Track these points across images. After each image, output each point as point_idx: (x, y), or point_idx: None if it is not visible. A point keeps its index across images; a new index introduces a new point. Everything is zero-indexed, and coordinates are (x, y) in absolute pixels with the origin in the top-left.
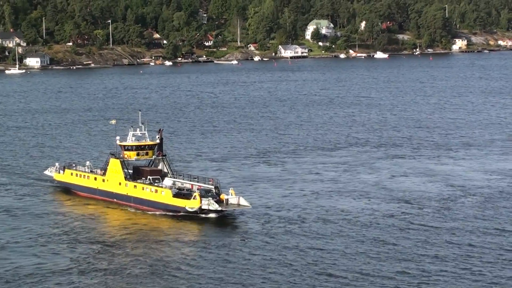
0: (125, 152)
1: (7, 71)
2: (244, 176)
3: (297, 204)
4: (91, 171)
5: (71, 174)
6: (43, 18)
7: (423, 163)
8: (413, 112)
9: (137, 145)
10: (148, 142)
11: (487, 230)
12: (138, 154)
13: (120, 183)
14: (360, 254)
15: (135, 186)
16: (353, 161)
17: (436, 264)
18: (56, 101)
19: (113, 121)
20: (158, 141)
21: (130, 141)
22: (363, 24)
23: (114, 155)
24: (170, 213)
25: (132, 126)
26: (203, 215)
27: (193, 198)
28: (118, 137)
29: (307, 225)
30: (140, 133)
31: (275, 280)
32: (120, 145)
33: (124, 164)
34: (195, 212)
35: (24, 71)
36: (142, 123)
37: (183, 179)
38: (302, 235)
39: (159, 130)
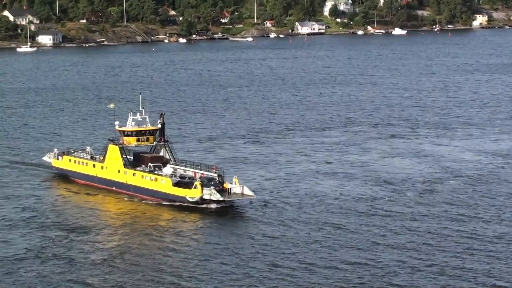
0: (125, 138)
1: (18, 49)
2: (228, 157)
3: (276, 187)
4: (92, 157)
5: (70, 160)
6: None
7: (417, 144)
8: (414, 91)
9: (137, 131)
10: (149, 127)
11: (459, 217)
12: (138, 140)
13: (119, 171)
14: (314, 243)
15: (134, 174)
16: (345, 141)
17: (393, 253)
18: (57, 79)
19: (112, 105)
20: (159, 126)
21: (130, 126)
22: (382, 0)
23: (113, 141)
24: (170, 203)
25: (131, 110)
26: (205, 205)
27: (194, 188)
28: (117, 122)
29: (278, 210)
30: (141, 118)
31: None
32: (119, 131)
33: (124, 150)
34: (196, 202)
35: (35, 49)
36: (143, 107)
37: (185, 167)
38: (274, 223)
39: (161, 114)
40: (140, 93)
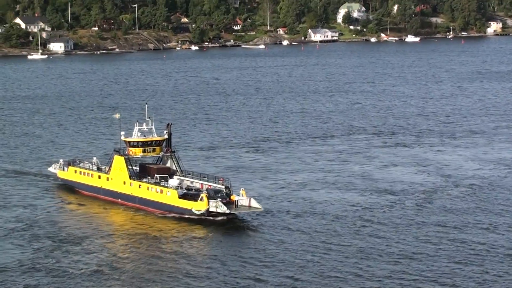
0: (130, 148)
1: (29, 56)
2: (230, 166)
3: (277, 196)
4: (98, 168)
5: (75, 171)
6: (72, 2)
7: (420, 152)
8: (420, 99)
9: (143, 141)
10: (156, 137)
11: (456, 226)
12: (144, 151)
13: (124, 182)
14: (314, 253)
15: (139, 185)
16: (348, 150)
17: (390, 263)
18: (64, 87)
19: (117, 115)
20: (166, 136)
21: (136, 136)
22: (395, 7)
23: (119, 151)
24: (176, 215)
25: (137, 121)
26: (211, 218)
27: (200, 200)
28: (122, 132)
29: (279, 219)
30: (147, 128)
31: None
32: (125, 141)
33: (129, 161)
34: (202, 214)
35: (46, 56)
36: (149, 117)
37: (192, 178)
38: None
39: (168, 124)
40: (146, 103)
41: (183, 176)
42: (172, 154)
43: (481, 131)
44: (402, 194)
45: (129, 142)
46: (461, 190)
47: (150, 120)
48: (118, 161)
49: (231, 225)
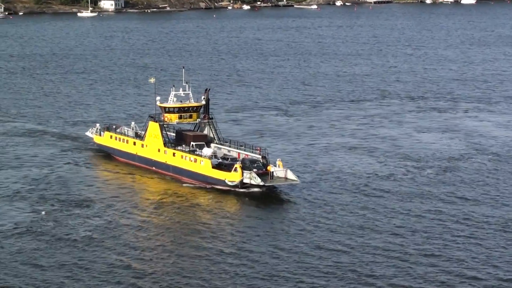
0: (166, 114)
1: (79, 14)
2: (256, 129)
3: (299, 161)
4: (136, 134)
5: (111, 137)
6: None
7: (452, 118)
8: (461, 63)
9: (179, 107)
10: (192, 103)
11: (474, 199)
12: (180, 117)
13: (159, 150)
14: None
15: (174, 153)
16: (379, 114)
17: (397, 236)
18: (104, 45)
19: (152, 79)
20: (203, 102)
21: (172, 102)
22: None
23: (154, 118)
24: (210, 186)
25: (174, 85)
26: (245, 190)
27: (234, 171)
28: (158, 98)
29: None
30: (183, 93)
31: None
32: (160, 107)
33: (164, 128)
34: (236, 186)
35: (96, 14)
36: (186, 82)
37: (229, 146)
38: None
39: (206, 90)
40: (183, 67)
41: (221, 144)
42: (210, 121)
43: None
44: (425, 161)
45: (165, 108)
46: (487, 159)
47: (187, 85)
48: (153, 128)
49: (265, 198)
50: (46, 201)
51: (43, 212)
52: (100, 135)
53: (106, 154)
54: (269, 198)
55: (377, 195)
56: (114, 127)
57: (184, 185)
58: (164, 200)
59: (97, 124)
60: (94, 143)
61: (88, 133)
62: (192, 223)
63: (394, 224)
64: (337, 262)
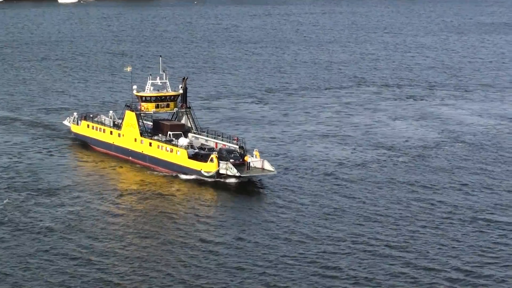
0: (143, 103)
1: (60, 0)
2: (230, 117)
3: (272, 149)
4: (114, 123)
5: (88, 126)
6: None
7: (428, 106)
8: (439, 51)
9: (156, 96)
10: (170, 92)
11: (442, 187)
12: (157, 106)
13: (135, 139)
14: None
15: (150, 143)
16: (355, 102)
17: (363, 227)
18: (81, 33)
19: (128, 68)
20: (181, 91)
21: (149, 91)
22: None
23: (130, 107)
24: (185, 177)
25: (150, 74)
26: (221, 180)
27: (210, 161)
28: (135, 86)
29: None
30: (160, 82)
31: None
32: (137, 96)
33: (141, 117)
34: (212, 176)
35: (77, 0)
36: (163, 71)
37: (207, 136)
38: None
39: (183, 78)
40: (160, 55)
41: (198, 133)
42: (188, 110)
43: (496, 85)
44: (398, 150)
45: (142, 97)
46: (459, 147)
47: (164, 74)
48: (130, 117)
49: (242, 188)
50: (14, 190)
51: (5, 201)
52: (77, 124)
53: (83, 144)
54: (243, 187)
55: (347, 185)
56: (91, 116)
57: (157, 174)
58: (134, 190)
59: (75, 113)
60: (71, 132)
61: (65, 122)
62: (158, 214)
63: (361, 214)
64: (302, 253)
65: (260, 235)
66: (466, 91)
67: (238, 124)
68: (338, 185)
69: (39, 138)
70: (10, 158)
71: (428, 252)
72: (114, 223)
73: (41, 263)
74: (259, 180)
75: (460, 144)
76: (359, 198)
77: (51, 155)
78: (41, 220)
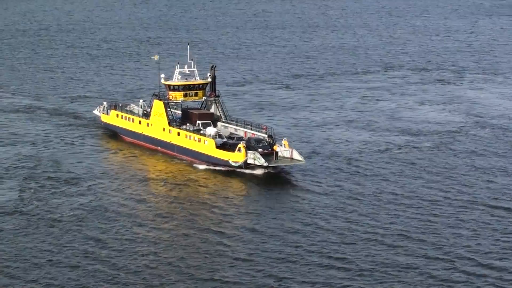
0: (171, 92)
1: None
2: (256, 103)
3: (297, 135)
4: (144, 113)
5: (117, 115)
6: None
7: (456, 90)
8: (468, 34)
9: (184, 85)
10: (198, 81)
11: (466, 173)
12: (185, 95)
13: (164, 129)
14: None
15: (178, 133)
16: (382, 87)
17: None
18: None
19: (156, 57)
20: (209, 79)
21: (176, 79)
22: None
23: (158, 96)
24: (214, 167)
25: (178, 62)
26: (249, 171)
27: (238, 151)
28: (162, 75)
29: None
30: (188, 71)
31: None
32: (165, 85)
33: (169, 106)
34: (240, 166)
35: None
36: (191, 59)
37: (236, 125)
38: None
39: (212, 66)
40: (188, 43)
41: (227, 122)
42: (216, 98)
43: None
44: (420, 136)
45: (170, 85)
46: (487, 132)
47: (192, 62)
48: (158, 106)
49: (269, 177)
50: (35, 180)
51: (31, 190)
52: (107, 113)
53: (113, 133)
54: (270, 176)
55: (369, 174)
56: (120, 105)
57: (185, 163)
58: (161, 179)
59: (104, 102)
60: (101, 121)
61: (95, 111)
62: (187, 202)
63: (379, 205)
64: (322, 242)
65: (294, 223)
66: (495, 74)
67: (263, 110)
68: (363, 176)
69: (63, 127)
70: (34, 147)
71: (447, 240)
72: (143, 210)
73: (73, 251)
74: (286, 170)
75: (488, 129)
76: (382, 186)
77: (74, 144)
78: (62, 210)
